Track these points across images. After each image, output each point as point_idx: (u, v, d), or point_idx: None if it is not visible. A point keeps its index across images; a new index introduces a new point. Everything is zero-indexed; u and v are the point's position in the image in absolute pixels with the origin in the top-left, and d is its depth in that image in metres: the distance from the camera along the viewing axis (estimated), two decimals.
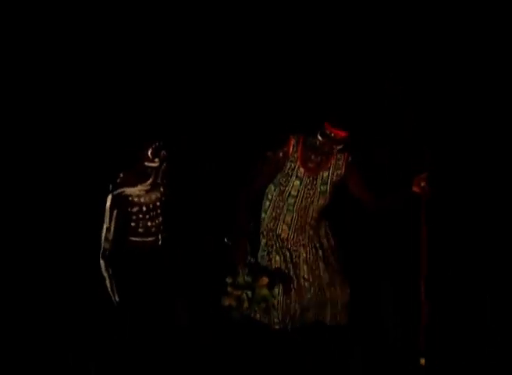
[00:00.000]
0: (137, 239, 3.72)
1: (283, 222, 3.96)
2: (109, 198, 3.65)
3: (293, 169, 3.88)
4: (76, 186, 4.89)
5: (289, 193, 3.90)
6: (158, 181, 3.75)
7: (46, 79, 4.91)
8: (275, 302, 3.81)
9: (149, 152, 3.64)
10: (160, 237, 3.79)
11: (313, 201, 3.91)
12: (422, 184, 3.71)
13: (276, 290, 3.80)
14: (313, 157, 3.85)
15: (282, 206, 3.92)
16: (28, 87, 4.90)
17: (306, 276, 3.94)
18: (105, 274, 3.64)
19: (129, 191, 3.66)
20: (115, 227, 3.65)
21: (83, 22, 4.88)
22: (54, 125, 4.94)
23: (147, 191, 3.70)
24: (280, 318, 3.86)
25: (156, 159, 3.66)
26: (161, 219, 3.79)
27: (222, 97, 5.11)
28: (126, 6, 4.93)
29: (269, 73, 5.11)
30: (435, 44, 4.91)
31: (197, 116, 5.05)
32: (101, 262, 3.65)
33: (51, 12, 4.85)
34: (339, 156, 3.88)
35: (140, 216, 3.70)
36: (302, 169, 3.87)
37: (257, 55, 5.07)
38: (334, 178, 3.90)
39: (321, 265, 3.96)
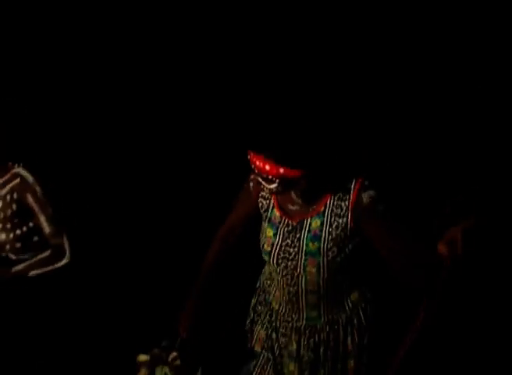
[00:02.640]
0: None
1: (275, 286, 2.54)
2: None
3: (265, 210, 2.45)
4: None
5: (263, 247, 2.45)
6: (3, 191, 3.12)
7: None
8: None
9: None
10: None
11: (298, 267, 2.37)
12: (456, 242, 2.15)
13: None
14: (292, 192, 2.35)
15: None
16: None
17: None
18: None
19: None
20: None
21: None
22: None
23: None
24: None
25: None
26: (11, 236, 3.15)
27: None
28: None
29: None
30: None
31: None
32: None
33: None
34: (341, 195, 2.31)
35: None
36: (277, 212, 2.41)
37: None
38: (333, 232, 2.32)
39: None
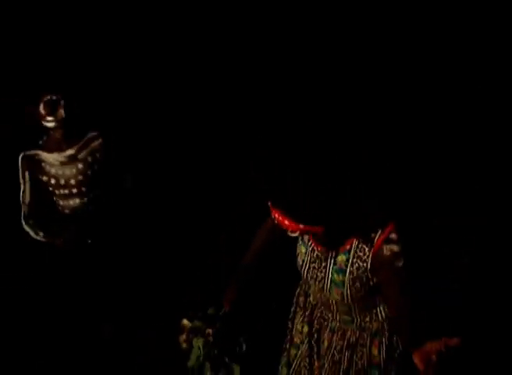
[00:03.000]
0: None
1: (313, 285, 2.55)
2: (20, 157, 3.24)
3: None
4: None
5: (297, 258, 2.51)
6: (80, 156, 3.26)
7: None
8: None
9: (41, 108, 3.10)
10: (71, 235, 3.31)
11: (325, 289, 2.42)
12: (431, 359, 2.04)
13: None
14: None
15: None
16: None
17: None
18: (39, 237, 3.29)
19: (43, 155, 3.24)
20: (30, 191, 3.25)
21: None
22: None
23: (62, 163, 3.25)
24: None
25: (50, 118, 3.10)
26: (78, 201, 3.32)
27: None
28: None
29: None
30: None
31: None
32: (25, 227, 3.28)
33: None
34: (366, 239, 2.30)
35: (51, 189, 3.29)
36: (310, 239, 2.44)
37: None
38: (354, 271, 2.32)
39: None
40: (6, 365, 3.60)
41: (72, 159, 3.25)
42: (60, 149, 3.24)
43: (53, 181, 3.28)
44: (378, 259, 2.26)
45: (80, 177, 3.28)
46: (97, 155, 3.30)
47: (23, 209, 3.29)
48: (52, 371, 3.61)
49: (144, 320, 3.76)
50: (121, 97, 4.74)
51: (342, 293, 2.36)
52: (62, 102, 3.12)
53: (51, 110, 3.10)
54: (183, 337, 2.54)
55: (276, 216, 2.15)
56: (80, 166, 3.27)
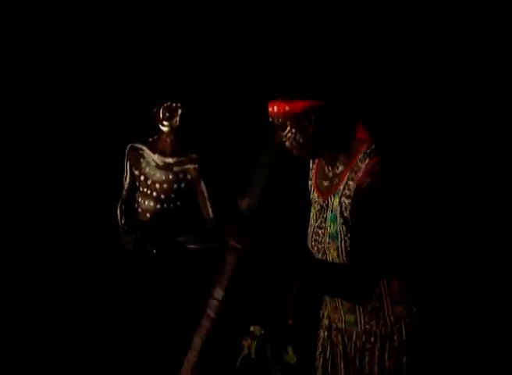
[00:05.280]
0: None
1: None
2: (128, 147, 3.53)
3: (310, 192, 2.35)
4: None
5: (310, 223, 2.32)
6: (175, 169, 3.45)
7: None
8: None
9: (160, 112, 3.38)
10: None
11: (325, 248, 2.20)
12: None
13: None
14: (326, 167, 2.24)
15: None
16: None
17: None
18: (118, 213, 3.56)
19: (146, 152, 3.50)
20: (129, 180, 3.54)
21: None
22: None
23: (157, 166, 3.47)
24: None
25: (166, 122, 3.38)
26: (152, 205, 3.49)
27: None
28: None
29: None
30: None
31: None
32: (117, 210, 3.57)
33: None
34: (356, 168, 2.11)
35: (137, 183, 3.52)
36: (315, 193, 2.29)
37: None
38: (344, 213, 2.11)
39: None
40: (6, 365, 3.60)
41: (167, 167, 3.45)
42: (163, 153, 3.45)
43: (142, 178, 3.49)
44: (358, 195, 2.07)
45: (165, 185, 3.45)
46: (189, 176, 3.47)
47: (123, 194, 3.56)
48: (52, 371, 3.62)
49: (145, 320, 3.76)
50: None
51: (337, 247, 2.12)
52: (180, 112, 3.36)
53: (169, 116, 3.35)
54: (248, 341, 2.50)
55: (269, 109, 2.16)
56: (171, 176, 3.45)
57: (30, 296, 4.02)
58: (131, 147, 3.51)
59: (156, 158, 3.45)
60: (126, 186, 3.57)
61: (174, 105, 3.36)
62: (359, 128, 2.19)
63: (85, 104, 4.31)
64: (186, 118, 3.39)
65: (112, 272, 3.81)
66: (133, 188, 3.55)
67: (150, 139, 3.50)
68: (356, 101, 2.29)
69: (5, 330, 3.76)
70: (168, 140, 3.45)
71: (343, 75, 2.30)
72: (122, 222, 3.54)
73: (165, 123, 3.38)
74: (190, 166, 3.45)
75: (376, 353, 2.25)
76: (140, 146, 3.50)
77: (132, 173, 3.53)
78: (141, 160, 3.48)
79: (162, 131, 3.44)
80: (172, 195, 3.46)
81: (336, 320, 2.35)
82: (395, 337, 2.23)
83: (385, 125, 3.68)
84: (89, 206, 4.26)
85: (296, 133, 2.15)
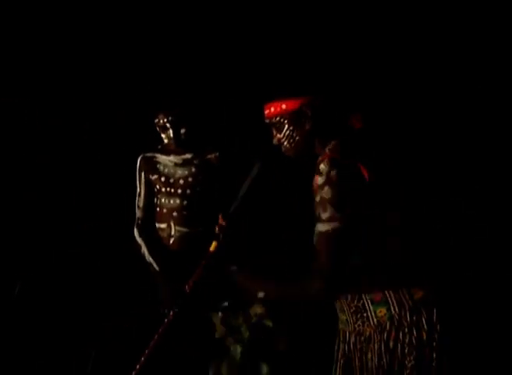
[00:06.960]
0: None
1: None
2: (139, 159, 3.46)
3: None
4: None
5: None
6: (196, 162, 3.41)
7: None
8: None
9: (156, 125, 3.38)
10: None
11: None
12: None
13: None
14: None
15: None
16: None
17: None
18: (140, 243, 3.37)
19: (161, 158, 3.44)
20: (144, 193, 3.43)
21: None
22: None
23: (176, 164, 3.42)
24: None
25: (163, 135, 3.35)
26: (178, 202, 3.38)
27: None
28: None
29: None
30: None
31: None
32: (135, 230, 3.39)
33: None
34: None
35: (157, 187, 3.41)
36: None
37: None
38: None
39: None
40: (6, 365, 3.61)
41: (187, 162, 3.41)
42: (177, 153, 3.42)
43: (163, 179, 3.40)
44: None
45: (190, 179, 3.39)
46: (213, 165, 3.42)
47: (138, 215, 3.42)
48: (52, 371, 3.62)
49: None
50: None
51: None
52: (169, 125, 3.32)
53: (163, 129, 3.35)
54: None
55: (266, 112, 2.21)
56: (194, 169, 3.40)
57: (30, 296, 4.02)
58: (143, 157, 3.46)
59: (172, 158, 3.43)
60: (141, 203, 3.44)
61: (162, 121, 3.33)
62: (356, 124, 2.21)
63: (85, 104, 4.31)
64: (179, 128, 3.34)
65: (111, 272, 3.82)
66: (150, 204, 3.43)
67: (159, 146, 3.47)
68: (352, 96, 2.32)
69: (5, 330, 3.78)
70: (171, 147, 3.42)
71: (338, 70, 2.33)
72: (150, 258, 3.36)
73: (162, 135, 3.38)
74: (211, 156, 3.42)
75: (366, 356, 2.21)
76: (151, 154, 3.45)
77: (148, 182, 3.43)
78: (157, 166, 3.43)
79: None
80: (198, 189, 3.38)
81: (339, 320, 2.33)
82: (378, 342, 2.18)
83: (385, 125, 3.73)
84: (89, 206, 4.27)
85: (293, 130, 2.20)
